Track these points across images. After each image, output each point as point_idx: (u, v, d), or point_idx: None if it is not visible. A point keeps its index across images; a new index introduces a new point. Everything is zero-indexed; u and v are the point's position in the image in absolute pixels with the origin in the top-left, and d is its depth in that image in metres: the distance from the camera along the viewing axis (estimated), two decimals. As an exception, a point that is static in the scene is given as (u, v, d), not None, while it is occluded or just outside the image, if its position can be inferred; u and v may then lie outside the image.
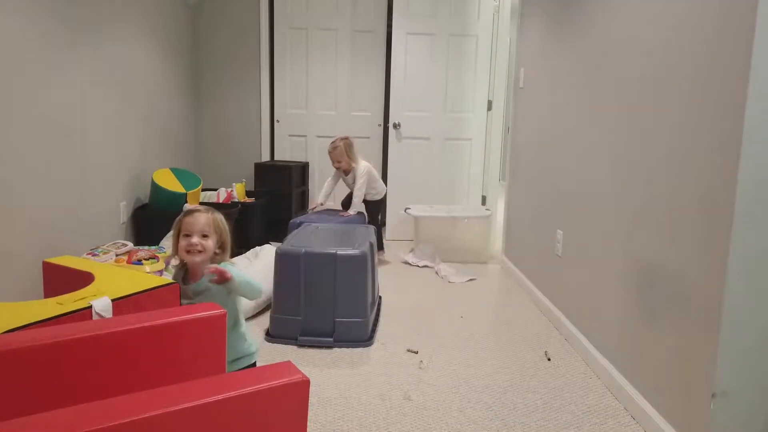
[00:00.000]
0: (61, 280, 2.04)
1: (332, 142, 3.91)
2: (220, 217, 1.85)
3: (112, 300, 1.66)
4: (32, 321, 1.46)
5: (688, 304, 1.75)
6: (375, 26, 4.83)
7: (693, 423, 1.70)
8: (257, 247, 3.59)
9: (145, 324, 1.40)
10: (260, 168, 4.62)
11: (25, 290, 2.59)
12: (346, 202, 4.06)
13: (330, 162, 4.02)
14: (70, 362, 1.30)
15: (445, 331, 2.83)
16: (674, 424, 1.81)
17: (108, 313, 1.61)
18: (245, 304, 2.82)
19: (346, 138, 3.92)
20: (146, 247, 3.07)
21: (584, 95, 2.64)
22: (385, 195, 4.23)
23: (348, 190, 4.10)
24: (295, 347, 2.59)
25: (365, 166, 3.92)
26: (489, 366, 2.45)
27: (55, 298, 1.66)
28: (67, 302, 1.60)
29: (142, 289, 1.75)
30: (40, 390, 1.27)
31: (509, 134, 4.07)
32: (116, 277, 1.90)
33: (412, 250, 4.23)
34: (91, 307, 1.59)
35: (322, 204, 4.03)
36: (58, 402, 1.21)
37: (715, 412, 1.61)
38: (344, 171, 3.97)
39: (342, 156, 3.86)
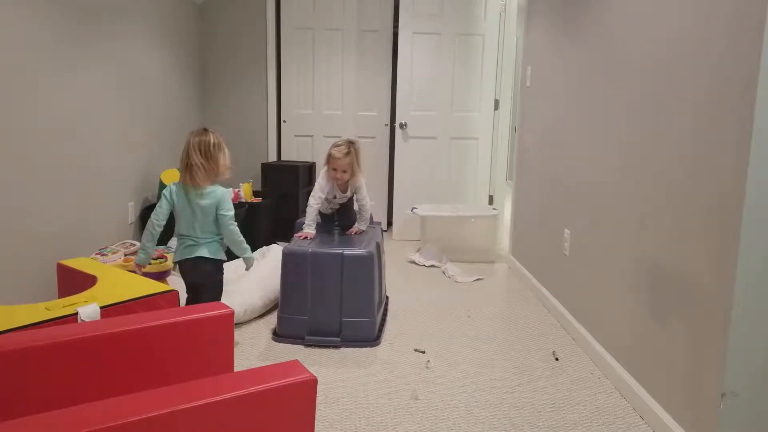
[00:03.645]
0: (72, 281, 2.06)
1: (338, 147, 2.83)
2: None
3: (104, 307, 1.65)
4: (15, 326, 1.45)
5: (698, 304, 1.74)
6: (381, 26, 4.83)
7: (702, 423, 1.69)
8: (264, 247, 3.60)
9: (153, 323, 1.41)
10: (267, 168, 4.63)
11: (38, 290, 2.61)
12: (343, 220, 3.12)
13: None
14: (79, 361, 1.31)
15: (452, 330, 2.83)
16: (683, 424, 1.80)
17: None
18: (252, 304, 2.84)
19: (354, 142, 2.88)
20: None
21: (591, 94, 2.63)
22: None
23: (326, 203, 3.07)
24: (302, 347, 2.59)
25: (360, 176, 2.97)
26: (496, 366, 2.44)
27: (44, 303, 1.66)
28: (55, 308, 1.60)
29: (134, 297, 1.74)
30: (49, 388, 1.28)
31: (516, 133, 4.06)
32: (117, 282, 1.90)
33: (418, 250, 4.23)
34: (77, 314, 1.59)
35: (312, 237, 2.86)
36: (67, 400, 1.21)
37: (724, 412, 1.60)
38: (342, 185, 2.93)
39: (351, 166, 2.84)
